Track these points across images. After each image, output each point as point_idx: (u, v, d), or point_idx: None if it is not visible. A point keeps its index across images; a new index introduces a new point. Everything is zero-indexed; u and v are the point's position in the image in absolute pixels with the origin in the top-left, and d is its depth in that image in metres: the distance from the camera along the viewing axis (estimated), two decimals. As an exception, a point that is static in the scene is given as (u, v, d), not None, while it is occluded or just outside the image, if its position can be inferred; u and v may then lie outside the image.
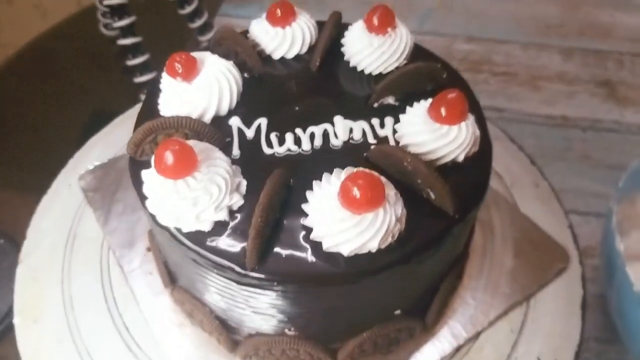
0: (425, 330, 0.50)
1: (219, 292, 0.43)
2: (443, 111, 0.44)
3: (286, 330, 0.45)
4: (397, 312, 0.46)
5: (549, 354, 0.50)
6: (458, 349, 0.50)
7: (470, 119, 0.45)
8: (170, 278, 0.51)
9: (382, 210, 0.38)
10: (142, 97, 1.02)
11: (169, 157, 0.38)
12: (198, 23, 1.10)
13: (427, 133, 0.44)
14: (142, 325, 0.51)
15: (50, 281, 0.54)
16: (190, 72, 0.47)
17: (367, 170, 0.39)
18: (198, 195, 0.39)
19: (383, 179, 0.40)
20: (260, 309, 0.42)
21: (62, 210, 0.60)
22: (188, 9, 1.09)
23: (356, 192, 0.37)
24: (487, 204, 0.61)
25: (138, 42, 1.02)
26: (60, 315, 0.52)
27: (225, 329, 0.47)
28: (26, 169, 0.91)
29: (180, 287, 0.49)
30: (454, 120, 0.44)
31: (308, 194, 0.41)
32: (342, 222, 0.38)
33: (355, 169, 0.40)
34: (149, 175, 0.40)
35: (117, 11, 1.01)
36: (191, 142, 0.41)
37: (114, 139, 0.67)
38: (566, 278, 0.56)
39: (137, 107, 0.69)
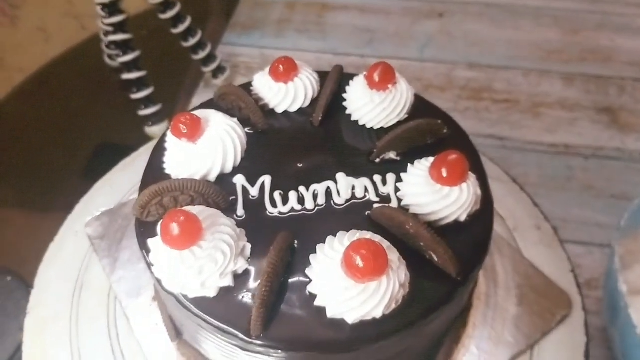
0: (429, 384, 0.51)
1: (224, 354, 0.43)
2: (444, 172, 0.44)
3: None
4: (401, 369, 0.47)
5: (553, 406, 0.51)
6: (461, 404, 0.51)
7: (472, 178, 0.46)
8: (176, 332, 0.51)
9: (386, 277, 0.39)
10: (147, 129, 1.03)
11: (174, 229, 0.39)
12: (202, 55, 1.12)
13: (429, 195, 0.44)
14: (150, 379, 0.52)
15: (58, 334, 0.55)
16: (194, 132, 0.48)
17: (369, 237, 0.40)
18: (203, 264, 0.40)
19: (385, 243, 0.40)
20: (267, 372, 0.43)
21: (69, 258, 0.61)
22: (192, 41, 1.10)
23: (359, 262, 0.38)
24: (491, 251, 0.61)
25: (142, 76, 1.04)
26: (68, 369, 0.53)
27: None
28: (30, 201, 0.91)
29: (185, 342, 0.50)
30: (455, 182, 0.44)
31: (312, 258, 0.42)
32: (346, 290, 0.39)
33: (357, 233, 0.41)
34: (155, 245, 0.41)
35: (121, 46, 1.02)
36: (196, 209, 0.42)
37: (119, 183, 0.68)
38: (569, 325, 0.56)
39: (142, 150, 0.71)
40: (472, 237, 0.45)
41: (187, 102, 1.12)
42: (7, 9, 1.69)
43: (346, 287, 0.39)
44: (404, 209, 0.45)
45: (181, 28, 1.07)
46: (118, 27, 1.00)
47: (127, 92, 1.06)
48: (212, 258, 0.40)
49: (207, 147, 0.48)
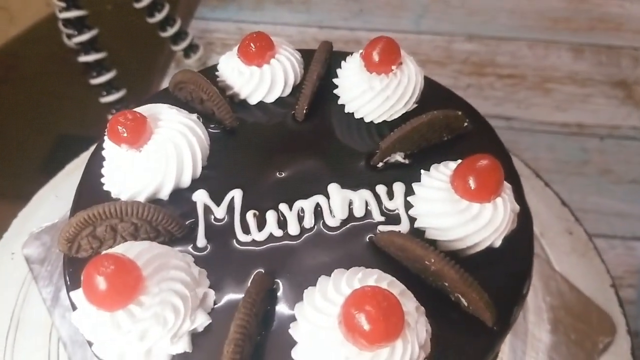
0: None
1: None
2: (472, 183, 0.33)
3: None
4: None
5: None
6: None
7: (507, 190, 0.34)
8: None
9: (401, 340, 0.28)
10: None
11: (100, 283, 0.27)
12: (170, 32, 0.99)
13: (453, 215, 0.33)
14: None
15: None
16: (138, 135, 0.36)
17: (375, 281, 0.29)
18: (147, 327, 0.28)
19: (398, 287, 0.29)
20: None
21: (3, 288, 0.50)
22: (158, 17, 0.97)
23: (365, 324, 0.27)
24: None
25: (102, 58, 0.91)
26: None
27: None
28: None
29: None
30: (488, 196, 0.33)
31: (297, 310, 0.30)
32: (345, 361, 0.28)
33: (360, 272, 0.30)
34: (79, 301, 0.29)
35: (76, 24, 0.89)
36: (136, 248, 0.30)
37: (64, 192, 0.56)
38: (613, 354, 0.46)
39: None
40: (508, 267, 0.34)
41: (158, 87, 1.01)
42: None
43: (347, 357, 0.28)
44: (419, 236, 0.33)
45: (145, 1, 0.94)
46: (71, 3, 0.87)
47: (87, 77, 0.94)
48: (159, 318, 0.29)
49: (156, 155, 0.36)
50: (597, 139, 0.96)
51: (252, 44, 0.42)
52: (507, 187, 0.35)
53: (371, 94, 0.40)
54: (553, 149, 0.95)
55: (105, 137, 0.37)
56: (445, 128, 0.39)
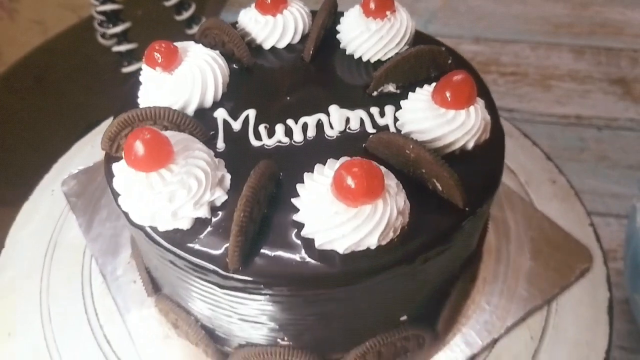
0: (436, 340, 0.45)
1: (202, 298, 0.38)
2: (448, 95, 0.39)
3: (278, 340, 0.40)
4: (403, 318, 0.41)
5: (575, 362, 0.45)
6: (473, 359, 0.45)
7: (480, 103, 0.41)
8: (154, 286, 0.46)
9: (382, 201, 0.34)
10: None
11: (139, 148, 0.34)
12: (195, 30, 1.08)
13: (432, 119, 0.39)
14: (124, 338, 0.47)
15: (27, 293, 0.50)
16: (170, 61, 0.43)
17: (363, 158, 0.35)
18: (174, 190, 0.35)
19: (383, 168, 0.35)
20: (248, 317, 0.38)
21: (43, 218, 0.56)
22: (185, 15, 1.06)
23: (351, 182, 0.33)
24: (501, 203, 0.56)
25: (133, 49, 1.00)
26: (37, 328, 0.48)
27: (213, 340, 0.43)
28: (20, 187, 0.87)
29: (163, 296, 0.45)
30: (461, 104, 0.39)
31: (299, 187, 0.37)
32: (336, 215, 0.34)
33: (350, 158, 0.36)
34: (119, 169, 0.36)
35: (111, 18, 0.99)
36: (168, 133, 0.37)
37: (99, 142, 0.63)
38: (590, 280, 0.51)
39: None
40: (481, 166, 0.40)
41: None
42: (5, 2, 1.66)
43: (336, 211, 0.34)
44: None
45: (173, 0, 1.03)
46: (107, -3, 0.97)
47: (119, 67, 1.02)
48: (185, 184, 0.35)
49: (185, 77, 0.43)
50: (595, 129, 1.01)
51: (267, -4, 0.49)
52: (480, 101, 0.41)
53: (367, 34, 0.47)
54: (552, 138, 1.00)
55: (143, 64, 0.44)
56: (431, 63, 0.46)
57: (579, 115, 1.03)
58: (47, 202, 0.58)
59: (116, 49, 1.01)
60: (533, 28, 1.22)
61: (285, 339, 0.40)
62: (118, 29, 0.99)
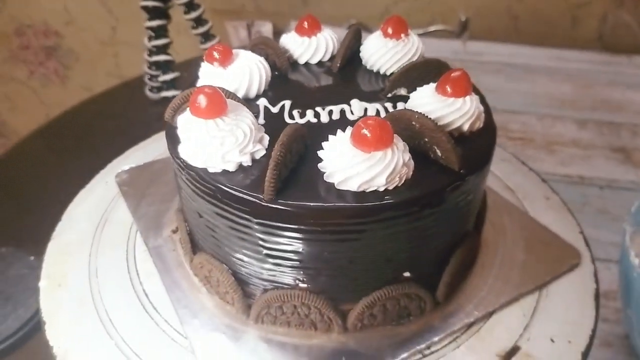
0: (436, 307, 0.51)
1: (238, 234, 0.45)
2: (449, 88, 0.49)
3: (298, 282, 0.46)
4: (407, 274, 0.48)
5: (563, 336, 0.50)
6: (469, 327, 0.50)
7: (474, 96, 0.50)
8: (193, 247, 0.53)
9: (390, 150, 0.42)
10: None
11: (202, 100, 0.43)
12: (200, 30, 1.10)
13: (434, 103, 0.48)
14: (161, 293, 0.53)
15: (78, 254, 0.58)
16: (226, 59, 0.54)
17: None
18: (225, 136, 0.44)
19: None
20: (275, 251, 0.45)
21: (96, 200, 0.65)
22: (193, 15, 1.11)
23: (366, 132, 0.42)
24: (499, 209, 0.63)
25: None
26: (85, 281, 0.55)
27: (240, 287, 0.49)
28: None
29: (201, 252, 0.52)
30: (459, 95, 0.48)
31: (324, 144, 0.45)
32: (353, 158, 0.42)
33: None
34: (183, 118, 0.45)
35: (162, 66, 1.13)
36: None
37: (151, 149, 0.73)
38: (578, 274, 0.56)
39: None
40: (475, 146, 0.48)
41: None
42: (60, 69, 1.87)
43: (354, 155, 0.42)
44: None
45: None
46: (161, 49, 1.12)
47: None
48: (233, 133, 0.44)
49: (236, 71, 0.54)
50: (597, 188, 1.08)
51: (305, 22, 0.61)
52: (474, 96, 0.50)
53: (385, 50, 0.57)
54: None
55: (202, 62, 0.55)
56: (437, 71, 0.55)
57: (582, 176, 1.11)
58: (101, 190, 0.67)
59: (165, 94, 1.14)
60: (540, 102, 1.33)
61: (304, 279, 0.46)
62: (168, 77, 1.13)
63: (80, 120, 1.21)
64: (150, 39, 1.10)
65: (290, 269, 0.46)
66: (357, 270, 0.46)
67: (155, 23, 1.08)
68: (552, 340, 0.50)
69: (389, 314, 0.49)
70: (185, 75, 1.32)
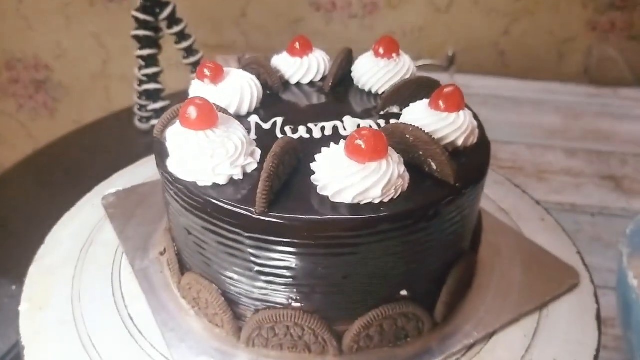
0: (434, 328, 0.49)
1: (228, 250, 0.44)
2: (442, 103, 0.48)
3: (291, 301, 0.44)
4: (404, 292, 0.46)
5: (566, 357, 0.48)
6: (469, 349, 0.48)
7: (468, 112, 0.49)
8: (181, 267, 0.52)
9: (385, 161, 0.41)
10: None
11: (192, 111, 0.43)
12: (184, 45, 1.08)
13: (428, 118, 0.48)
14: (146, 314, 0.51)
15: (61, 277, 0.55)
16: (217, 76, 0.53)
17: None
18: (216, 148, 0.43)
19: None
20: (267, 268, 0.43)
21: (82, 222, 0.63)
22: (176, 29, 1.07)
23: (360, 142, 0.41)
24: (494, 231, 0.62)
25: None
26: (67, 304, 0.52)
27: (230, 308, 0.47)
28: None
29: (189, 272, 0.50)
30: (452, 110, 0.48)
31: (317, 156, 0.44)
32: (347, 169, 0.41)
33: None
34: (173, 131, 0.44)
35: (153, 95, 1.13)
36: (213, 110, 0.46)
37: (139, 173, 0.72)
38: (578, 294, 0.55)
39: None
40: (470, 161, 0.48)
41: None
42: (49, 102, 1.86)
43: (348, 165, 0.41)
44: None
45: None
46: (152, 77, 1.12)
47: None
48: (224, 145, 0.43)
49: (227, 88, 0.53)
50: (589, 215, 1.08)
51: (297, 43, 0.61)
52: (468, 111, 0.50)
53: (377, 69, 0.57)
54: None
55: (193, 80, 0.55)
56: (429, 90, 0.55)
57: (574, 204, 1.10)
58: (86, 213, 0.65)
59: (154, 122, 1.13)
60: (528, 132, 1.34)
61: (297, 298, 0.44)
62: (158, 105, 1.13)
63: (67, 151, 1.21)
64: (140, 68, 1.10)
65: (282, 286, 0.44)
66: (352, 287, 0.44)
67: (146, 52, 1.08)
68: (555, 361, 0.48)
69: (385, 335, 0.47)
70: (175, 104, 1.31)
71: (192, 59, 1.10)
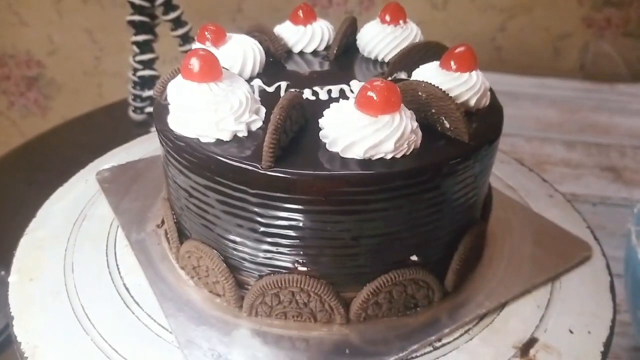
0: (444, 298, 0.47)
1: (232, 210, 0.41)
2: (453, 63, 0.47)
3: (297, 265, 0.42)
4: (414, 258, 0.44)
5: (581, 327, 0.46)
6: (481, 318, 0.46)
7: (480, 73, 0.48)
8: (180, 236, 0.49)
9: (399, 115, 0.39)
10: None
11: (195, 62, 0.40)
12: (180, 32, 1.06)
13: (439, 77, 0.46)
14: (143, 286, 0.48)
15: (53, 249, 0.53)
16: (219, 39, 0.51)
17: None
18: (219, 102, 0.40)
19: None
20: (273, 228, 0.41)
21: (75, 197, 0.60)
22: (172, 15, 1.04)
23: (372, 94, 0.39)
24: (503, 206, 0.60)
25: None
26: (59, 276, 0.50)
27: (232, 275, 0.44)
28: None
29: (189, 240, 0.47)
30: (464, 70, 0.46)
31: (325, 111, 0.42)
32: (358, 121, 0.39)
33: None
34: (174, 84, 0.42)
35: (148, 82, 1.10)
36: (217, 64, 0.44)
37: (134, 150, 0.69)
38: (590, 266, 0.53)
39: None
40: (483, 122, 0.46)
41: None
42: (41, 100, 1.83)
43: (359, 118, 0.39)
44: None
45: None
46: (147, 64, 1.09)
47: (149, 128, 1.11)
48: (229, 99, 0.41)
49: (229, 51, 0.51)
50: (590, 205, 1.07)
51: (300, 11, 0.59)
52: (479, 72, 0.48)
53: (383, 35, 0.56)
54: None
55: (195, 42, 0.52)
56: (436, 54, 0.53)
57: (574, 194, 1.09)
58: (80, 188, 0.62)
59: (149, 110, 1.11)
60: (526, 125, 1.33)
61: (303, 261, 0.42)
62: (151, 92, 1.10)
63: (58, 143, 1.18)
64: (135, 55, 1.08)
65: (288, 248, 0.42)
66: (361, 250, 0.42)
67: (141, 38, 1.05)
68: (571, 332, 0.46)
69: (395, 302, 0.44)
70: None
71: (181, 31, 1.06)
